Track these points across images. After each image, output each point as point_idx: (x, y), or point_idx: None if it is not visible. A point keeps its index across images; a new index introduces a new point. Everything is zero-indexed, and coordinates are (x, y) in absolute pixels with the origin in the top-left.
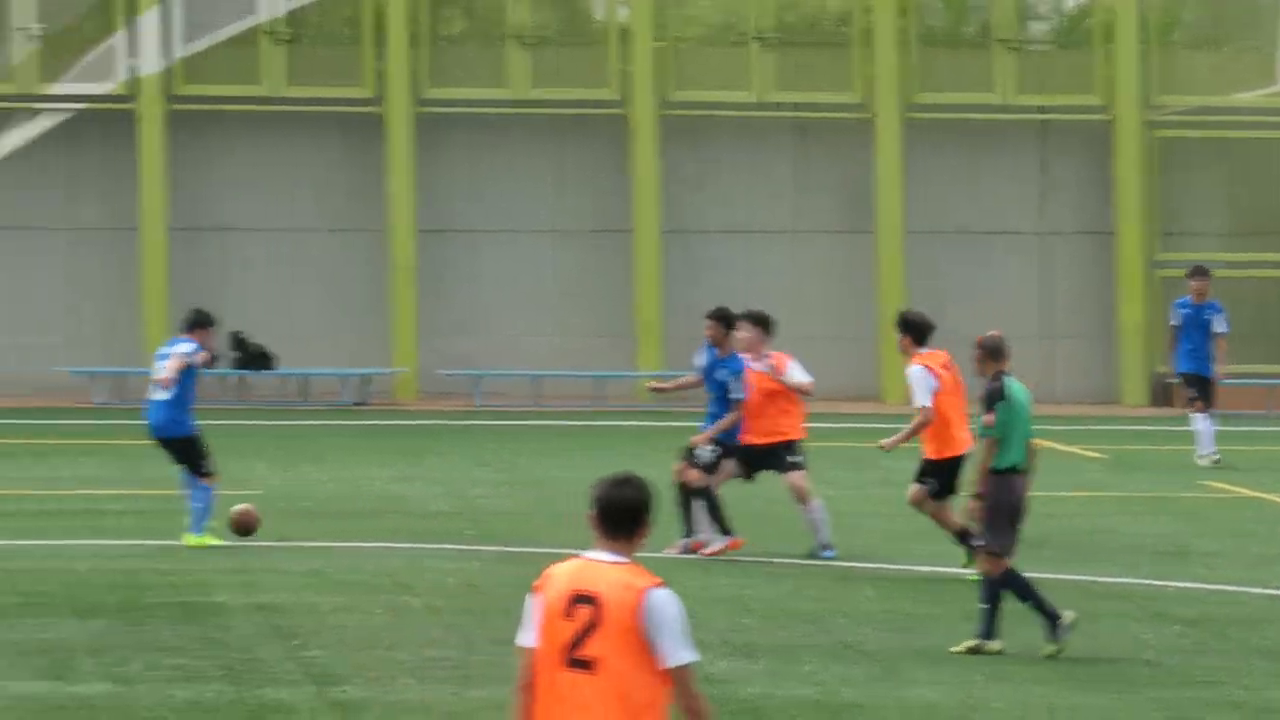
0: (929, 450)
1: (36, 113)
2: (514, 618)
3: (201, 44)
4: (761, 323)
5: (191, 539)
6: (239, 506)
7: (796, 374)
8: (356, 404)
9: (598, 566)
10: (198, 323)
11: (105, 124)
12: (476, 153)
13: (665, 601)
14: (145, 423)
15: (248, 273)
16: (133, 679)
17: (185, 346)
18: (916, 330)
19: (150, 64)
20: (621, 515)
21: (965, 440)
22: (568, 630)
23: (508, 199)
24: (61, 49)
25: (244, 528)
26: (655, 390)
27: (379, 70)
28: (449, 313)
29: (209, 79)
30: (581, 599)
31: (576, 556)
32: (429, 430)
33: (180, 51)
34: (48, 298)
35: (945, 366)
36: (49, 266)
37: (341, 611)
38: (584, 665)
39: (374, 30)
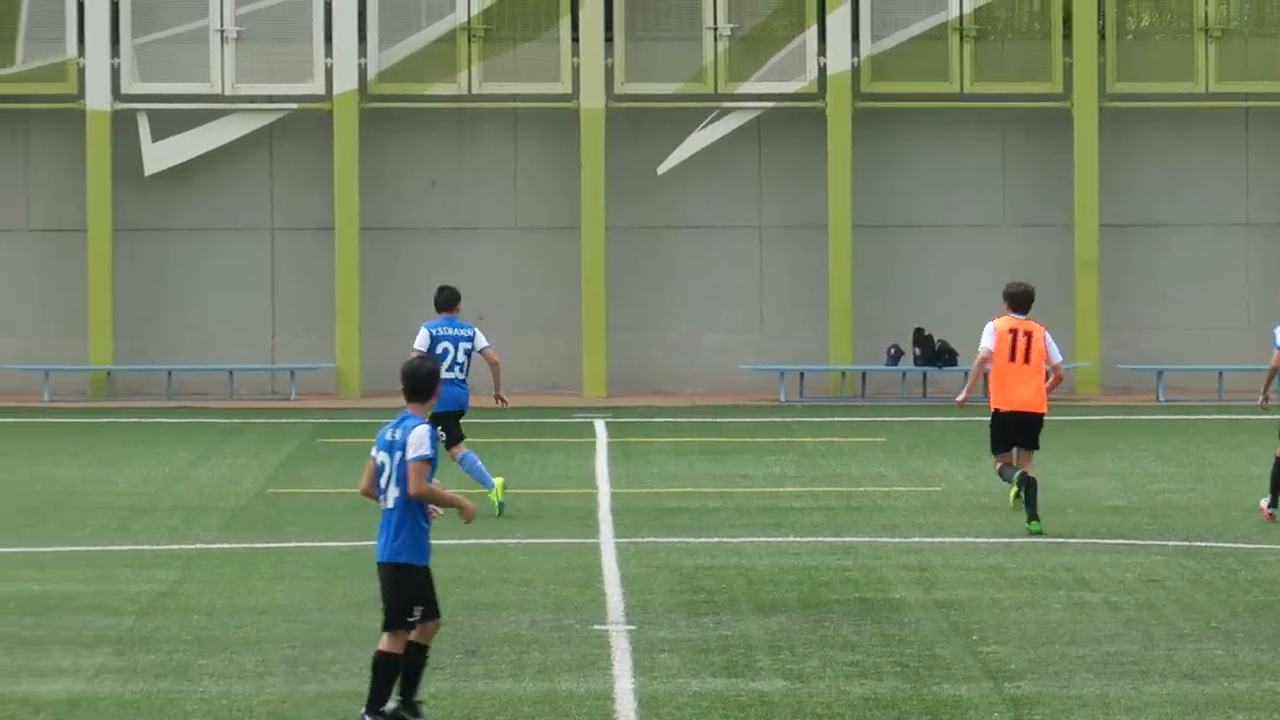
0: None
1: (727, 112)
2: (1194, 613)
3: (891, 41)
4: None
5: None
6: None
7: None
8: None
9: None
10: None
11: (794, 122)
12: (1163, 146)
13: None
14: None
15: (931, 269)
16: (809, 675)
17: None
18: None
19: (839, 62)
20: None
21: None
22: None
23: (1194, 192)
24: (751, 48)
25: None
26: None
27: (1066, 65)
28: (1132, 307)
29: (897, 76)
30: None
31: None
32: (1109, 425)
33: (869, 49)
34: (739, 296)
35: None
36: (745, 264)
37: (1021, 607)
38: None
39: (1062, 25)
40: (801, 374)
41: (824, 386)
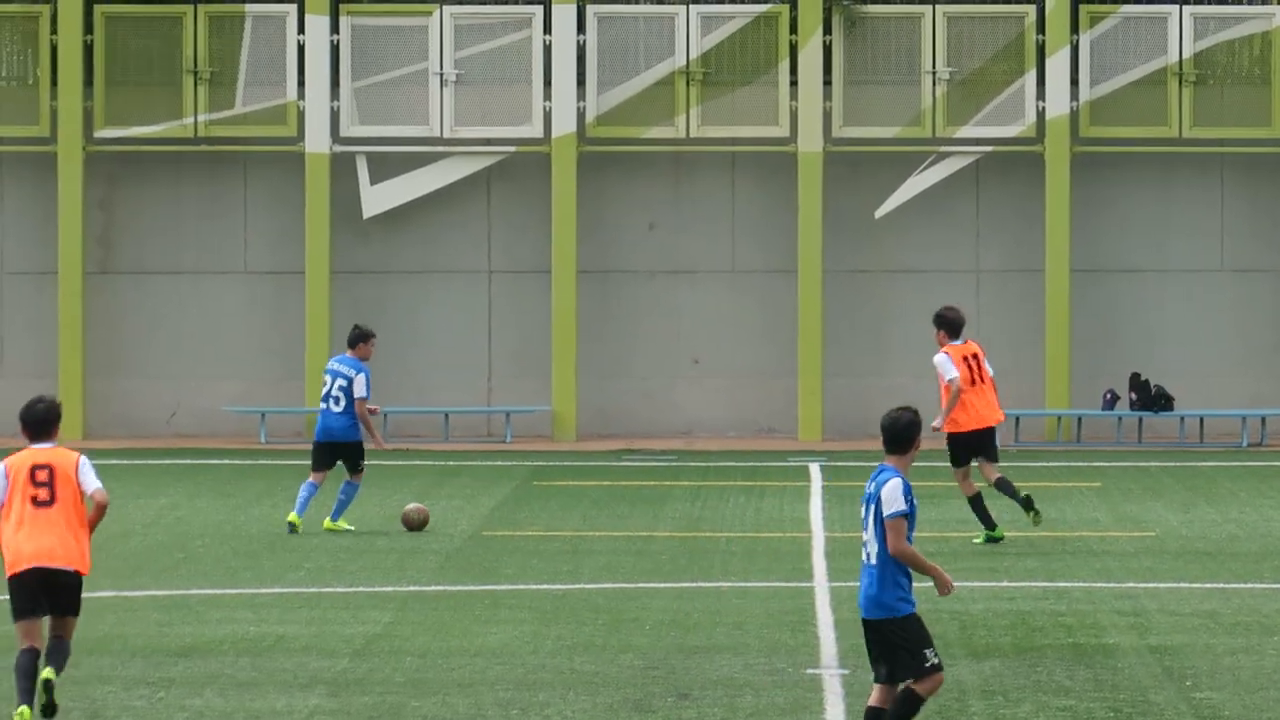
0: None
1: (944, 156)
2: None
3: (1109, 85)
4: None
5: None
6: (411, 505)
7: None
8: (1253, 445)
9: None
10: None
11: (1012, 166)
12: None
13: None
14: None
15: (1148, 314)
16: None
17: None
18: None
19: (1058, 106)
20: None
21: None
22: None
23: None
24: (970, 92)
25: (414, 524)
26: None
27: None
28: None
29: (1115, 120)
30: None
31: None
32: None
33: (1088, 94)
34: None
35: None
36: (962, 308)
37: (1236, 653)
38: None
39: None
40: (1017, 418)
41: (1039, 430)
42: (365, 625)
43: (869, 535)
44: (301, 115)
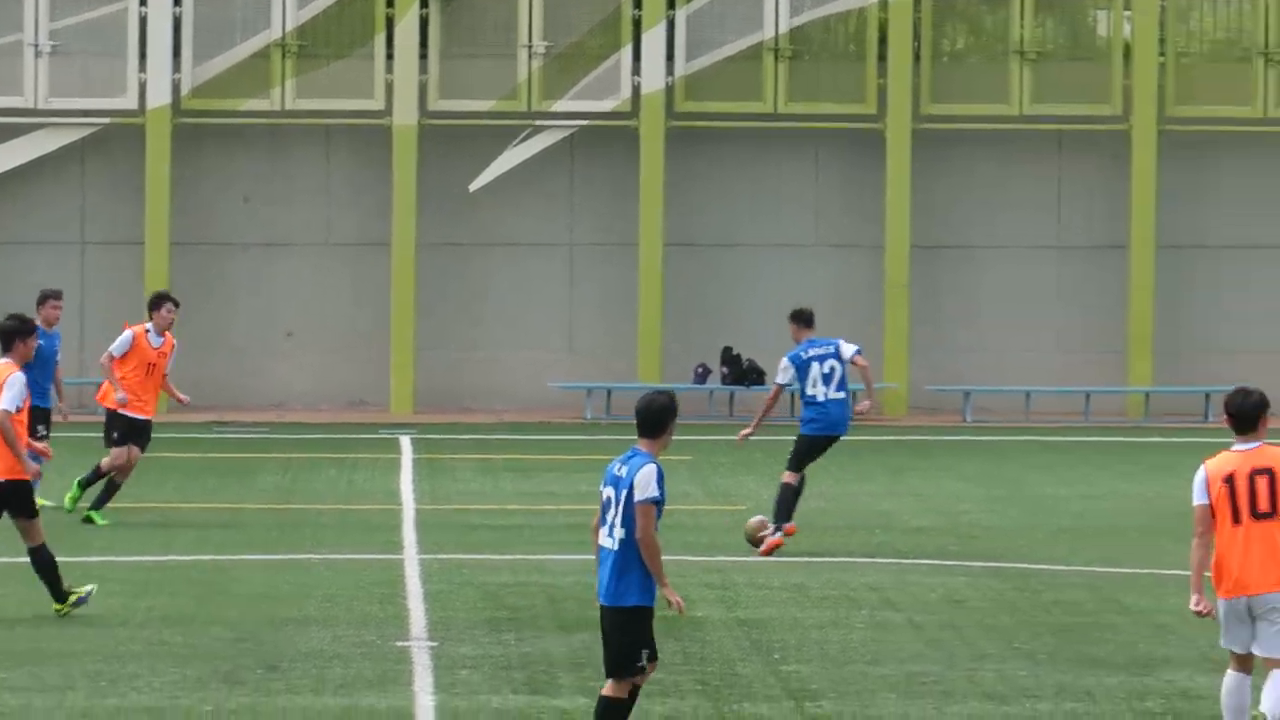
0: None
1: (540, 130)
2: (997, 633)
3: (705, 60)
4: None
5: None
6: (755, 519)
7: None
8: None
9: (1262, 450)
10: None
11: (607, 140)
12: (976, 168)
13: None
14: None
15: (741, 288)
16: None
17: None
18: None
19: (653, 81)
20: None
21: None
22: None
23: (1006, 214)
24: (565, 66)
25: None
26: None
27: (880, 86)
28: (941, 328)
29: (710, 96)
30: (1259, 472)
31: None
32: (916, 446)
33: (683, 69)
34: (549, 314)
35: None
36: (556, 281)
37: (824, 626)
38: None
39: (877, 47)
40: (609, 391)
41: (631, 404)
42: None
43: (615, 519)
44: None
